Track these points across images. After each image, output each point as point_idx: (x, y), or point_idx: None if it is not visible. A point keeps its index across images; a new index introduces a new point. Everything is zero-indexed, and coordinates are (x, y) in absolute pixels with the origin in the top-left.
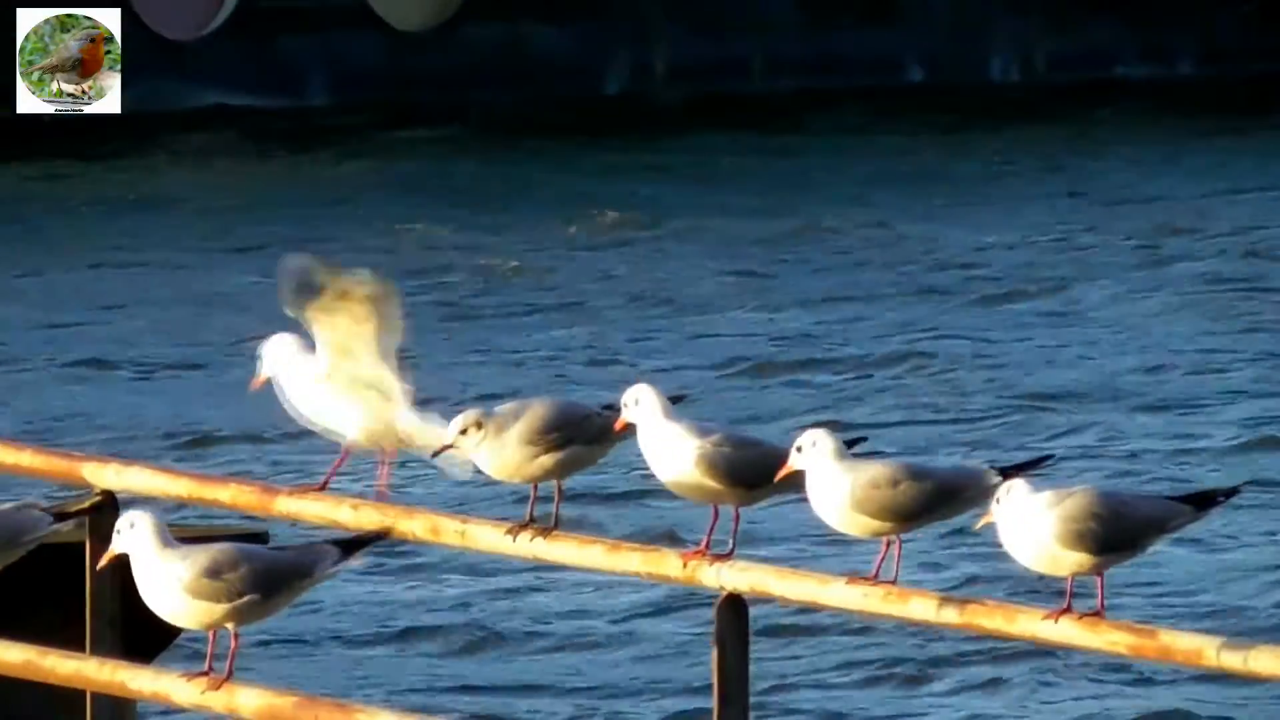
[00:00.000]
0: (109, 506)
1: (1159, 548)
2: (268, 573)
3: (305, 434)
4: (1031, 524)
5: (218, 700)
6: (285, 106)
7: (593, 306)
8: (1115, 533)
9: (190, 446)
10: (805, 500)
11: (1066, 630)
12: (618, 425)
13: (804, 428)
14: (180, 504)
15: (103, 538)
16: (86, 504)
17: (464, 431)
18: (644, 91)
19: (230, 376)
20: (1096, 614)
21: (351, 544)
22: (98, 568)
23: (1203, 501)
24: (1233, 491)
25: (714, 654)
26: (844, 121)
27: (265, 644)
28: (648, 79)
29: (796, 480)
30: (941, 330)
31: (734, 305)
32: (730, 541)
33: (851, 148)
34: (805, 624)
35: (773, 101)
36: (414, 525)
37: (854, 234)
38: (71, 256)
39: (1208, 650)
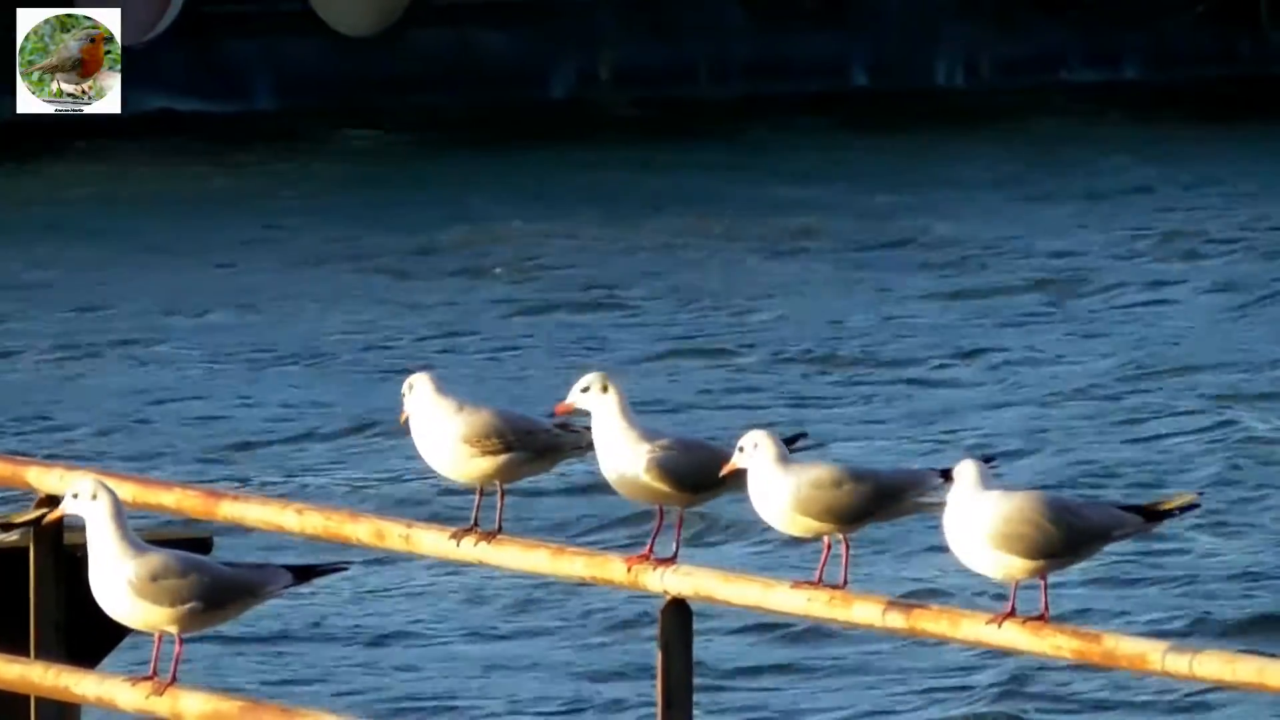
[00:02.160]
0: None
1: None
2: (214, 584)
3: (250, 441)
4: (971, 525)
5: (162, 705)
6: (231, 111)
7: (542, 305)
8: (1056, 539)
9: (130, 448)
10: (748, 501)
11: (1010, 635)
12: (560, 409)
13: (750, 427)
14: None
15: (48, 542)
16: (33, 514)
17: (403, 393)
18: (590, 96)
19: (167, 375)
20: (1040, 618)
21: (306, 571)
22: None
23: (1154, 513)
24: (1190, 505)
25: (658, 658)
26: (791, 125)
27: (211, 647)
28: (594, 84)
29: (740, 481)
30: (889, 331)
31: (681, 304)
32: (674, 546)
33: (798, 152)
34: (751, 623)
35: (720, 106)
36: (358, 529)
37: (801, 235)
38: (13, 260)
39: (1152, 655)
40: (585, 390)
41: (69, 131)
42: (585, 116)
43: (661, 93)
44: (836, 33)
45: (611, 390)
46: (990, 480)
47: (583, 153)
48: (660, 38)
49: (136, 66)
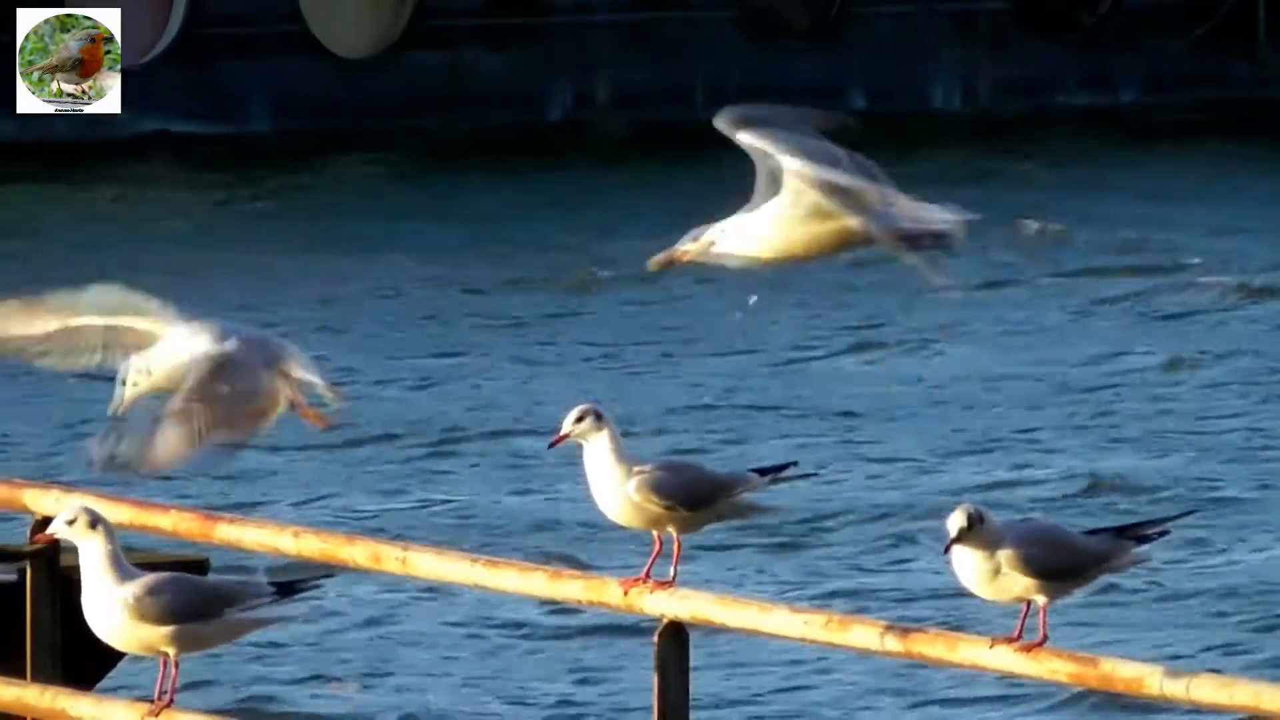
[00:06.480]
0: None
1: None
2: (206, 601)
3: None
4: (978, 550)
5: None
6: (227, 133)
7: (540, 324)
8: (1057, 564)
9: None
10: (745, 527)
11: (1007, 659)
12: (555, 440)
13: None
14: (121, 530)
15: (44, 564)
16: (28, 548)
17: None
18: (586, 119)
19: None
20: (1040, 643)
21: (288, 586)
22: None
23: (1136, 536)
24: (1163, 531)
25: (654, 681)
26: None
27: (212, 664)
28: (590, 106)
29: (736, 509)
30: (880, 350)
31: (671, 333)
32: (673, 570)
33: None
34: (748, 646)
35: (716, 128)
36: (355, 553)
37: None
38: (8, 283)
39: (1149, 679)
40: (579, 420)
41: (64, 154)
42: (581, 139)
43: (657, 115)
44: (833, 56)
45: (603, 422)
46: (991, 518)
47: (578, 175)
48: (656, 60)
49: (133, 87)
